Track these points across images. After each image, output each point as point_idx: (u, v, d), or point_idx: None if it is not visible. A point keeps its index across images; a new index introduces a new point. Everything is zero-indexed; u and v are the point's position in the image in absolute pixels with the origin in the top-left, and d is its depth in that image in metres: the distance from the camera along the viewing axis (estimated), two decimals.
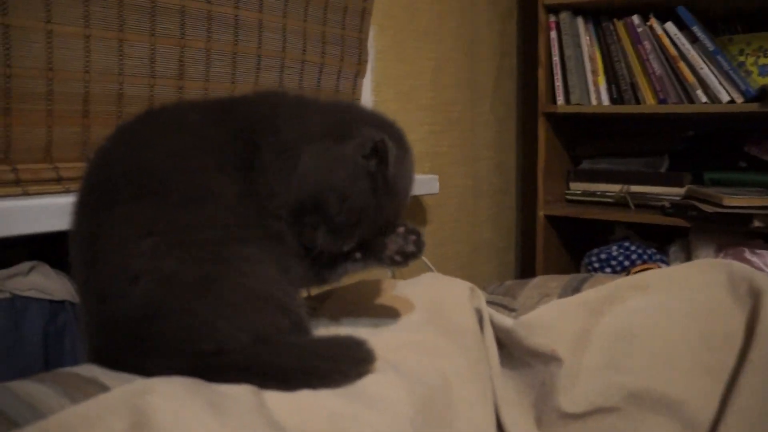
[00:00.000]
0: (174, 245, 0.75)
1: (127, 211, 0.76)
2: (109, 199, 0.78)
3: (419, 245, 0.87)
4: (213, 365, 0.72)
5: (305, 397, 0.72)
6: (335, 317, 0.95)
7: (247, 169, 0.83)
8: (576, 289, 1.09)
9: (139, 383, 0.64)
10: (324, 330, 0.91)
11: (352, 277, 0.92)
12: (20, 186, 1.12)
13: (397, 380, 0.80)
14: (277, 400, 0.71)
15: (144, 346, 0.73)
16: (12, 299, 1.01)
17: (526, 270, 2.53)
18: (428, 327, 0.93)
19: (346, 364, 0.77)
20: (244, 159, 0.84)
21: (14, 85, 1.11)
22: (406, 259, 0.87)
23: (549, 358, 0.96)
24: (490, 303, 1.08)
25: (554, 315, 0.99)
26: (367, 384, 0.77)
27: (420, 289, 1.01)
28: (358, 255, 0.88)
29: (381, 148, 0.83)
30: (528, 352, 0.98)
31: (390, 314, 0.95)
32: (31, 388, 0.64)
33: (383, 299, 0.99)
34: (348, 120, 0.89)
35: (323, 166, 0.84)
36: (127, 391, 0.62)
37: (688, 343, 0.91)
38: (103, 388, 0.66)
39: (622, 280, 1.04)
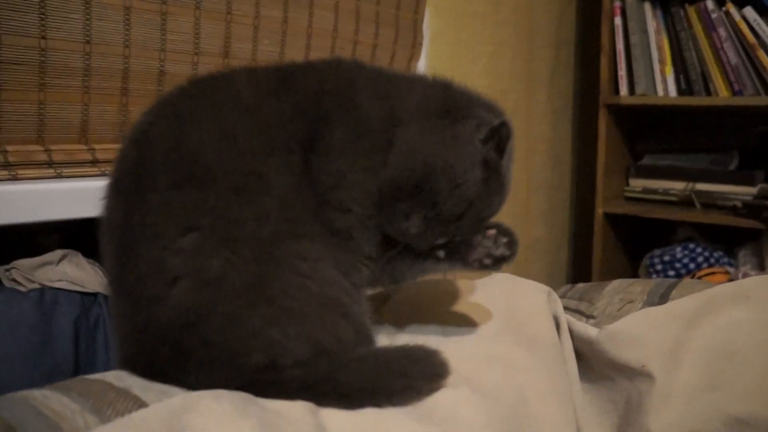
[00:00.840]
0: (219, 243, 0.64)
1: (166, 199, 0.66)
2: (145, 185, 0.67)
3: (513, 248, 0.75)
4: (265, 380, 0.62)
5: (370, 417, 0.62)
6: (398, 323, 0.85)
7: (307, 152, 0.72)
8: (664, 296, 0.97)
9: (179, 400, 0.54)
10: (385, 338, 0.81)
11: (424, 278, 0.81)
12: (53, 168, 1.04)
13: (473, 398, 0.70)
14: (337, 420, 0.61)
15: (184, 357, 0.63)
16: (41, 291, 0.92)
17: (579, 271, 2.40)
18: (504, 336, 0.82)
19: (416, 379, 0.66)
20: (305, 139, 0.72)
21: (49, 59, 1.03)
22: (496, 263, 0.75)
23: (636, 374, 0.85)
24: (565, 309, 0.96)
25: (644, 326, 0.87)
26: (439, 402, 0.67)
27: (493, 292, 0.90)
28: (441, 254, 0.75)
29: (502, 134, 0.72)
30: (612, 366, 0.87)
31: (461, 321, 0.84)
32: (54, 400, 0.55)
33: (452, 303, 0.88)
34: (454, 98, 0.77)
35: (434, 144, 0.72)
36: (164, 409, 0.53)
37: None
38: (137, 403, 0.56)
39: (719, 288, 0.92)
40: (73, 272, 0.96)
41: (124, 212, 0.67)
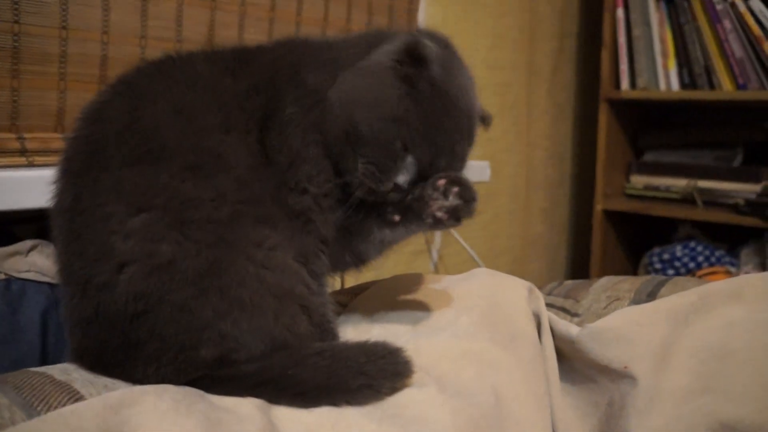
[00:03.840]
0: (171, 225, 0.61)
1: (116, 179, 0.62)
2: (96, 164, 0.64)
3: (466, 195, 0.68)
4: (216, 376, 0.59)
5: (325, 416, 0.59)
6: (368, 316, 0.82)
7: (264, 130, 0.69)
8: (652, 294, 0.93)
9: (118, 394, 0.51)
10: (353, 331, 0.78)
11: (393, 251, 0.77)
12: (25, 156, 1.01)
13: (440, 398, 0.67)
14: (291, 419, 0.58)
15: (133, 349, 0.60)
16: (7, 281, 0.90)
17: (578, 269, 2.36)
18: (480, 333, 0.78)
19: (376, 377, 0.63)
20: (262, 118, 0.69)
21: (23, 45, 1.01)
22: (453, 216, 0.68)
23: (620, 375, 0.82)
24: (549, 306, 0.93)
25: (629, 324, 0.83)
26: (402, 402, 0.64)
27: (471, 286, 0.86)
28: (396, 217, 0.70)
29: (415, 46, 0.67)
30: (594, 366, 0.83)
31: (434, 316, 0.81)
32: None
33: (426, 297, 0.85)
34: (379, 37, 0.74)
35: (353, 85, 0.68)
36: (100, 403, 0.49)
37: None
38: (75, 398, 0.53)
39: (711, 286, 0.88)
40: (42, 263, 0.94)
41: (73, 195, 0.64)
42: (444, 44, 0.74)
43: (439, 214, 0.68)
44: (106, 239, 0.61)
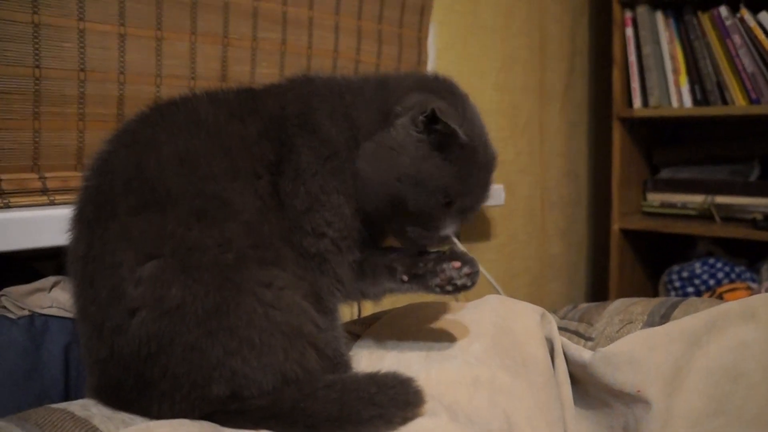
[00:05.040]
0: (179, 270, 0.63)
1: (125, 227, 0.65)
2: (105, 213, 0.66)
3: (474, 278, 0.74)
4: (229, 410, 0.61)
5: None
6: (381, 344, 0.83)
7: (275, 176, 0.71)
8: (665, 316, 0.93)
9: (133, 430, 0.53)
10: (366, 361, 0.78)
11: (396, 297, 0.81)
12: (47, 195, 1.05)
13: (452, 426, 0.67)
14: None
15: (148, 387, 0.62)
16: (31, 317, 0.92)
17: (598, 289, 2.34)
18: (491, 359, 0.79)
19: (387, 407, 0.64)
20: (272, 163, 0.71)
21: (44, 88, 1.04)
22: (456, 291, 0.74)
23: (633, 399, 0.81)
24: (562, 330, 0.93)
25: (641, 347, 0.83)
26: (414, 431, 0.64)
27: (483, 313, 0.87)
28: (405, 278, 0.75)
29: (433, 113, 0.70)
30: (608, 390, 0.83)
31: (447, 343, 0.82)
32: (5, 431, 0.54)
33: (438, 324, 0.85)
34: (388, 98, 0.76)
35: (388, 164, 0.72)
36: None
37: None
38: None
39: (724, 307, 0.88)
40: (64, 299, 0.96)
41: (86, 243, 0.66)
42: (451, 91, 0.77)
43: (448, 288, 0.74)
44: (117, 285, 0.63)
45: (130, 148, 0.71)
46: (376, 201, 0.72)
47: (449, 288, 0.73)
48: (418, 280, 0.74)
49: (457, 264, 0.73)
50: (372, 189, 0.72)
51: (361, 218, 0.75)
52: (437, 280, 0.73)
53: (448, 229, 0.74)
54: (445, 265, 0.73)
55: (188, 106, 0.74)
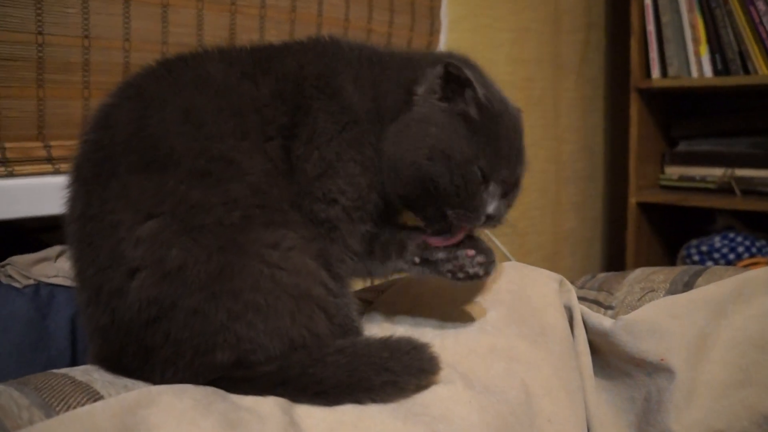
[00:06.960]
0: (180, 230, 0.60)
1: (125, 185, 0.62)
2: (104, 171, 0.63)
3: (488, 268, 0.72)
4: (235, 377, 0.58)
5: (348, 414, 0.57)
6: (393, 312, 0.80)
7: (287, 139, 0.68)
8: (688, 284, 0.90)
9: (135, 394, 0.51)
10: (378, 328, 0.76)
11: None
12: (51, 164, 1.03)
13: (467, 394, 0.65)
14: (313, 417, 0.57)
15: (150, 353, 0.60)
16: (36, 287, 0.91)
17: (613, 263, 2.31)
18: (508, 328, 0.76)
19: (400, 374, 0.61)
20: (286, 126, 0.68)
21: (47, 55, 1.02)
22: (468, 278, 0.72)
23: (656, 368, 0.79)
24: (581, 299, 0.90)
25: (664, 315, 0.80)
26: (428, 399, 0.62)
27: (499, 281, 0.84)
28: (416, 259, 0.73)
29: (450, 79, 0.68)
30: (629, 360, 0.81)
31: (462, 312, 0.79)
32: (4, 395, 0.52)
33: (453, 292, 0.83)
34: (409, 77, 0.73)
35: (416, 144, 0.68)
36: (117, 404, 0.49)
37: None
38: (94, 398, 0.53)
39: (750, 274, 0.85)
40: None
41: (84, 202, 0.64)
42: (466, 63, 0.74)
43: (460, 275, 0.71)
44: (116, 246, 0.60)
45: (133, 102, 0.68)
46: (409, 185, 0.69)
47: (460, 275, 0.71)
48: (430, 263, 0.72)
49: (471, 252, 0.70)
50: (403, 172, 0.69)
51: (382, 197, 0.72)
52: (449, 266, 0.71)
53: (491, 207, 0.70)
54: (459, 252, 0.70)
55: (197, 62, 0.71)
